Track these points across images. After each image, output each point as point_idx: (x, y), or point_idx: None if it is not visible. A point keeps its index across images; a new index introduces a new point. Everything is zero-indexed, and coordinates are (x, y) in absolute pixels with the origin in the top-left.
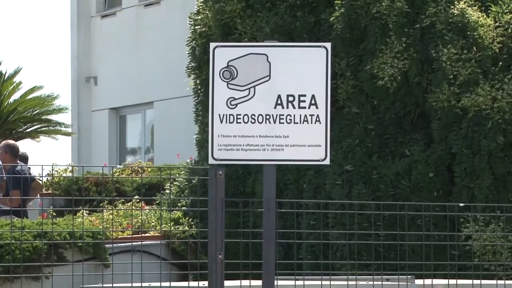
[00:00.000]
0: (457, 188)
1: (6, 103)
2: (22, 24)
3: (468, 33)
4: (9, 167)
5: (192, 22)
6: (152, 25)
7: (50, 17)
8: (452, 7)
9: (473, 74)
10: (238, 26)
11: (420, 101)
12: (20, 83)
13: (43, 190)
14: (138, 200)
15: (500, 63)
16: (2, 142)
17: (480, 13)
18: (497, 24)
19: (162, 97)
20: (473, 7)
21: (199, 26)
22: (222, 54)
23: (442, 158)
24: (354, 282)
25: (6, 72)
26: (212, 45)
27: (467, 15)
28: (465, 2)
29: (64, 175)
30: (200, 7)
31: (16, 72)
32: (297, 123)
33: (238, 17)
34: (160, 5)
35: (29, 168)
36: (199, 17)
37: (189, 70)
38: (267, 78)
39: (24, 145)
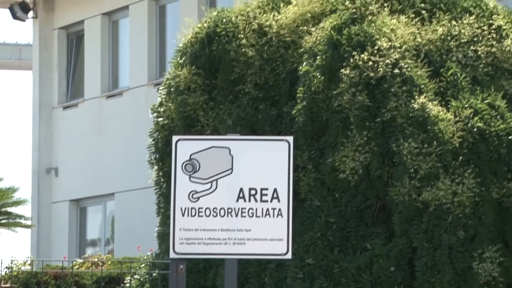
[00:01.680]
0: (418, 283)
1: None
2: None
3: (429, 127)
4: None
5: (154, 114)
6: (114, 117)
7: (11, 108)
8: (413, 101)
9: (434, 168)
10: (200, 119)
11: (381, 195)
12: None
13: (2, 284)
14: None
15: (461, 158)
16: None
17: (440, 108)
18: (457, 118)
19: (124, 188)
20: (433, 102)
21: (161, 118)
22: (184, 147)
23: (403, 252)
24: None
25: None
26: (175, 138)
27: (427, 110)
28: (425, 97)
29: (23, 268)
30: (163, 99)
31: None
32: (259, 216)
33: (200, 110)
34: (122, 96)
35: None
36: (162, 109)
37: (151, 162)
38: (230, 171)
39: None
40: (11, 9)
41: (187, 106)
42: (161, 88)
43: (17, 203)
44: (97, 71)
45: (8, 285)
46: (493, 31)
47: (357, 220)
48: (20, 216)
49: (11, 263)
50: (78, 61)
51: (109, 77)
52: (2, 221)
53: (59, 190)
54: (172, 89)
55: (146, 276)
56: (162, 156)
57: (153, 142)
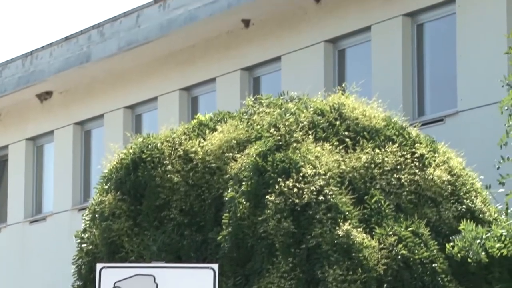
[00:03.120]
0: None
1: None
2: None
3: (353, 254)
4: None
5: (78, 240)
6: (37, 242)
7: None
8: (337, 228)
9: None
10: (125, 245)
11: None
12: None
13: None
14: None
15: (385, 285)
16: None
17: (364, 235)
18: (382, 246)
19: None
20: (358, 229)
21: (85, 244)
22: (108, 275)
23: None
24: None
25: None
26: (99, 265)
27: (352, 237)
28: (350, 224)
29: None
30: (87, 225)
31: None
32: None
33: (125, 235)
34: (46, 221)
35: None
36: (86, 235)
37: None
38: None
39: None
40: None
41: (112, 232)
42: (85, 214)
43: None
44: (20, 195)
45: None
46: (415, 159)
47: None
48: None
49: None
50: (1, 186)
51: (32, 202)
52: None
53: None
54: (96, 215)
55: None
56: (86, 283)
57: (76, 269)
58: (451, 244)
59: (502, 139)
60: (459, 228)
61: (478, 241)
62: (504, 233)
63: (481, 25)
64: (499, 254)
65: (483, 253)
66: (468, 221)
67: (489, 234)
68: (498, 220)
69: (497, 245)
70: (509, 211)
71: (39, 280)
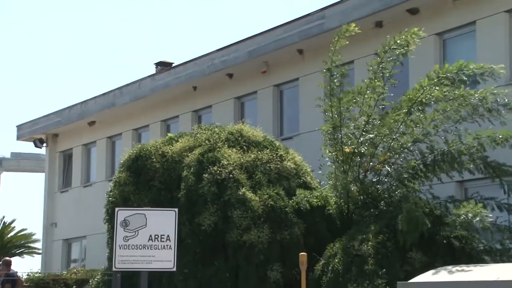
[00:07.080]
0: None
1: (6, 238)
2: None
3: (246, 204)
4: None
5: (107, 196)
6: (87, 199)
7: (27, 192)
8: (239, 190)
9: (250, 223)
10: (131, 198)
11: (222, 237)
12: (14, 227)
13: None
14: None
15: (262, 219)
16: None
17: (252, 194)
18: (260, 199)
19: (95, 231)
20: (249, 191)
21: (111, 198)
22: (121, 214)
23: None
24: None
25: (7, 222)
26: (117, 209)
27: (246, 195)
28: (245, 188)
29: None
30: (112, 188)
31: (12, 221)
32: (159, 249)
33: (131, 194)
34: (91, 186)
35: (16, 272)
36: (111, 193)
37: (105, 220)
38: (144, 226)
39: (15, 260)
40: (34, 142)
41: (124, 192)
42: (111, 183)
43: (34, 241)
44: (78, 172)
45: (26, 284)
46: (278, 157)
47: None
48: (35, 248)
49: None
50: (69, 167)
51: (85, 175)
52: (26, 251)
53: (57, 234)
54: (116, 183)
55: (101, 280)
56: (111, 216)
57: (106, 211)
58: (294, 199)
59: (323, 146)
60: (297, 192)
61: (306, 198)
62: (318, 195)
63: (310, 90)
64: (316, 205)
65: (307, 204)
66: (302, 188)
67: (311, 194)
68: (317, 188)
69: (315, 200)
70: (320, 184)
71: (91, 216)
